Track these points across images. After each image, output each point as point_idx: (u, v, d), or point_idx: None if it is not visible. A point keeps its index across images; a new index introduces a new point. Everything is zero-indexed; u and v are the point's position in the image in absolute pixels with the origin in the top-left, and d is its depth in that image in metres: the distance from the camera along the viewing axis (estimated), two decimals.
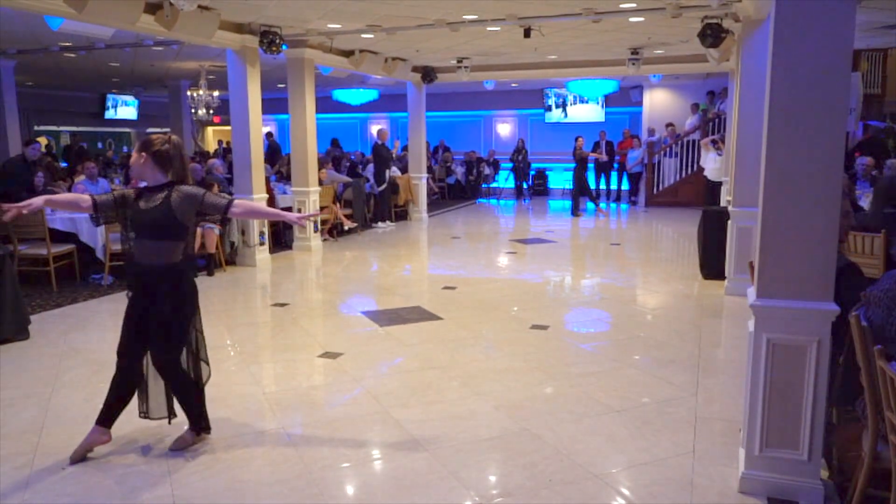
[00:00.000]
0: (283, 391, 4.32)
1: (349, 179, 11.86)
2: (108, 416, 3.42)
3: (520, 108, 19.42)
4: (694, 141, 14.73)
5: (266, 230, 8.79)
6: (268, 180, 9.52)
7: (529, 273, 8.29)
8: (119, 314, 3.38)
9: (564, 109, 18.77)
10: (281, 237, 10.13)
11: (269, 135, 17.27)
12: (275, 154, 14.92)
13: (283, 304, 6.60)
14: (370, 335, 5.57)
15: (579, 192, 14.09)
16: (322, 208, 10.07)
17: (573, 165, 14.46)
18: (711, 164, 12.13)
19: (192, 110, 14.76)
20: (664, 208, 14.54)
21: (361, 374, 4.60)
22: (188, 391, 3.48)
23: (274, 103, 16.49)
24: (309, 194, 9.54)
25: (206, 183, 7.85)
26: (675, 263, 9.00)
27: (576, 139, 14.39)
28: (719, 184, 11.48)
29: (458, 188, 17.80)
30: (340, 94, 18.00)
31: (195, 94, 14.20)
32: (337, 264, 8.91)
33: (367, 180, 12.36)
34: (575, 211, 13.88)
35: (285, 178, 11.74)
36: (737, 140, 6.80)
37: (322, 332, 5.75)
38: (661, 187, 15.21)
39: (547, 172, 18.67)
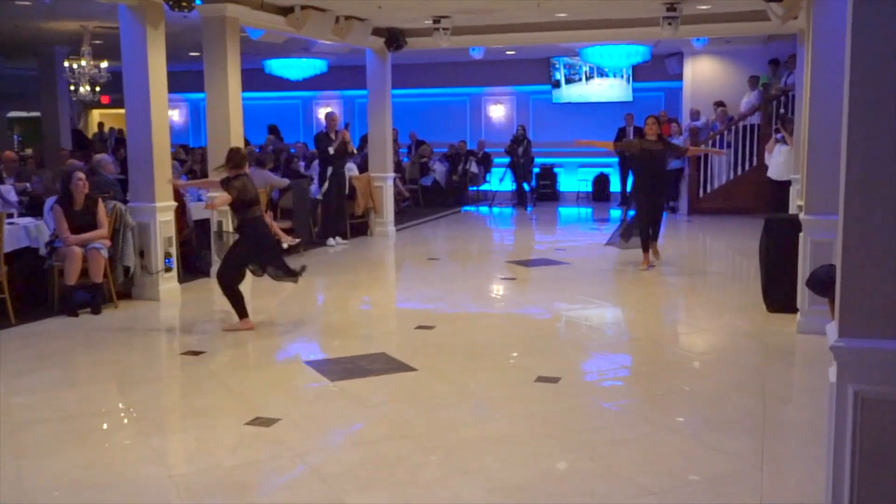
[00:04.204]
0: (197, 472, 4.28)
1: (286, 182, 11.81)
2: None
3: (518, 84, 19.59)
4: (753, 126, 14.93)
5: (174, 251, 8.73)
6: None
7: (533, 306, 8.31)
8: None
9: (579, 84, 18.98)
10: (194, 260, 10.05)
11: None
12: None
13: (197, 353, 6.55)
14: (318, 393, 5.55)
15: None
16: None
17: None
18: (775, 157, 12.27)
19: (72, 87, 14.70)
20: (713, 216, 14.70)
21: (305, 447, 4.57)
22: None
23: (184, 77, 16.44)
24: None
25: (89, 185, 7.80)
26: (730, 291, 9.07)
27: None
28: (787, 183, 11.62)
29: (437, 192, 17.86)
30: (276, 67, 18.01)
31: (75, 66, 14.15)
32: (272, 295, 8.87)
33: (312, 181, 12.35)
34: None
35: (199, 178, 11.71)
36: (809, 125, 6.90)
37: (251, 389, 5.71)
38: (708, 189, 15.39)
39: (555, 170, 18.80)
